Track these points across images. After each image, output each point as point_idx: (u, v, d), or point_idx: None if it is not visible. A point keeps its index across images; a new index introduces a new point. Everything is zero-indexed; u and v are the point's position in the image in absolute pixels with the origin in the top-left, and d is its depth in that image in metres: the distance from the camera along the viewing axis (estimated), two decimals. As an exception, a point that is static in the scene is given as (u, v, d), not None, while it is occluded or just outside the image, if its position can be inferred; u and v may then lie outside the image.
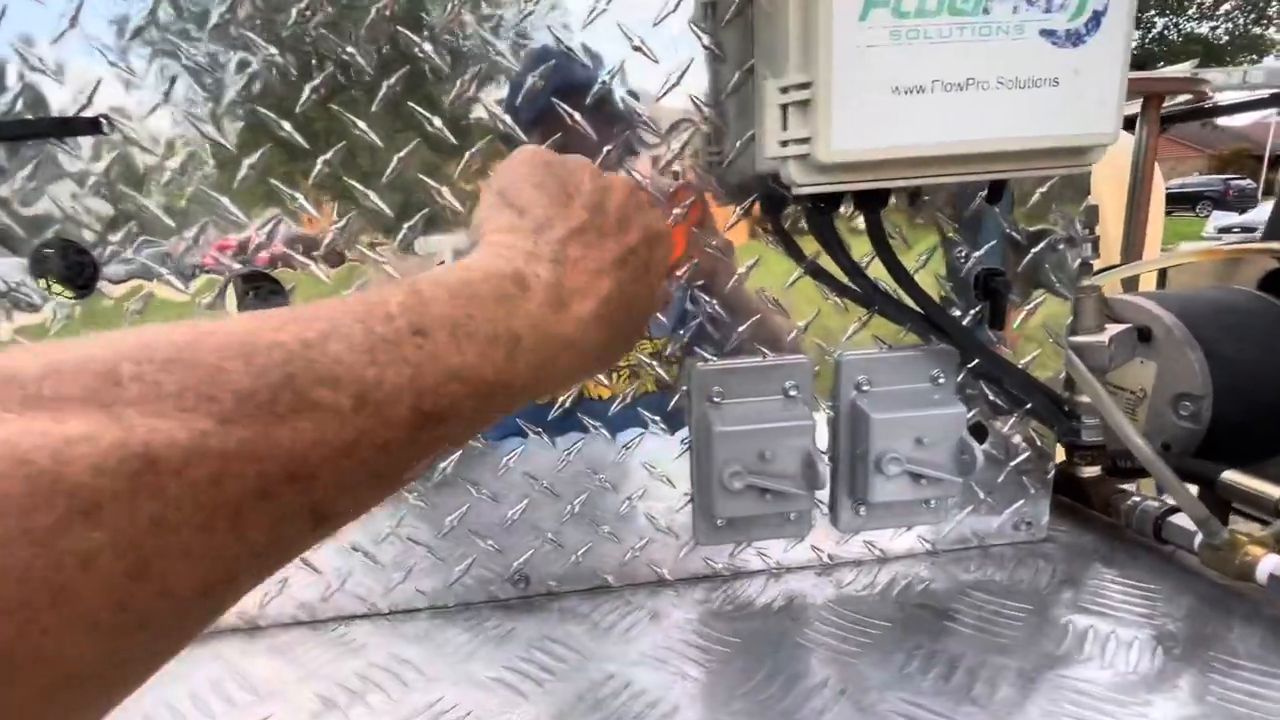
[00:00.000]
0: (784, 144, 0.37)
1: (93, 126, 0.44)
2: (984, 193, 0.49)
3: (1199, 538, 0.51)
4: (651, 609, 0.53)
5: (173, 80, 0.43)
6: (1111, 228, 1.23)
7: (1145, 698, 0.41)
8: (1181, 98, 1.22)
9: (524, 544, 0.53)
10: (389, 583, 0.53)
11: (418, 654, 0.49)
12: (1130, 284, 1.17)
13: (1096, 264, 0.78)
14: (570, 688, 0.45)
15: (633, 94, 0.46)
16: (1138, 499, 0.57)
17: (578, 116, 0.45)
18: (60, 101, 0.43)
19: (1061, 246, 0.52)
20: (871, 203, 0.43)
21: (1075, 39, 0.36)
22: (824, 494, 0.55)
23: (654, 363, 0.51)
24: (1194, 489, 0.55)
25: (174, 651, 0.17)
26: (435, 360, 0.20)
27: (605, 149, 0.46)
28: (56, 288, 0.47)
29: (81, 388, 0.15)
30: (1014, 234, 0.51)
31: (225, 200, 0.45)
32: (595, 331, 0.26)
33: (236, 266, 0.47)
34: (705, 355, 0.51)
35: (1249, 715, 0.39)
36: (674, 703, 0.43)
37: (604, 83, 0.45)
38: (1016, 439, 0.56)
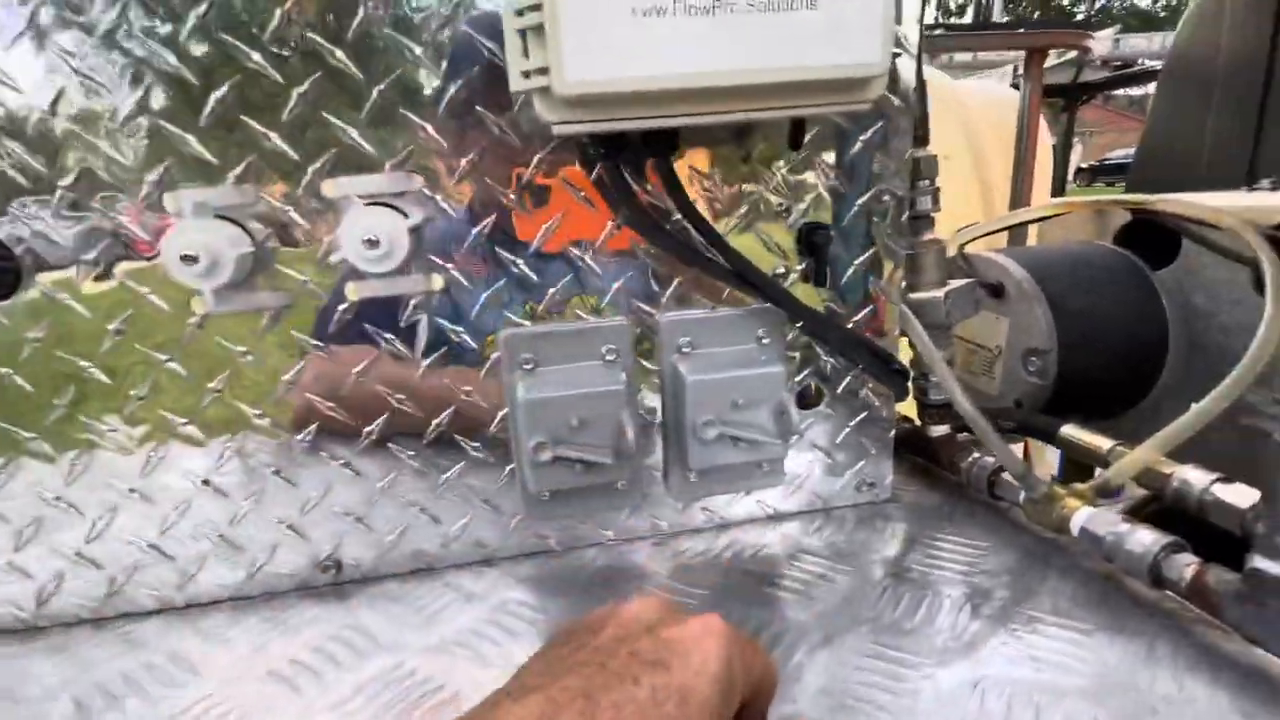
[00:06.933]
0: (526, 75, 0.33)
1: None
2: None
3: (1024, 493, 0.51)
4: (467, 591, 0.50)
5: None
6: (1001, 187, 1.24)
7: (940, 659, 0.40)
8: (1068, 55, 1.23)
9: (334, 530, 0.50)
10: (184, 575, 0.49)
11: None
12: (1016, 242, 1.18)
13: (966, 222, 0.77)
14: (351, 678, 0.42)
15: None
16: (976, 456, 0.57)
17: (339, 53, 0.41)
18: None
19: (886, 198, 0.50)
20: (659, 146, 0.40)
21: (838, -41, 0.33)
22: (658, 461, 0.52)
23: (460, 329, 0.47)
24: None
25: None
26: None
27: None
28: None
29: None
30: (836, 185, 0.49)
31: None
32: None
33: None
34: (517, 321, 0.48)
35: (1035, 678, 0.38)
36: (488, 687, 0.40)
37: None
38: (857, 399, 0.55)
